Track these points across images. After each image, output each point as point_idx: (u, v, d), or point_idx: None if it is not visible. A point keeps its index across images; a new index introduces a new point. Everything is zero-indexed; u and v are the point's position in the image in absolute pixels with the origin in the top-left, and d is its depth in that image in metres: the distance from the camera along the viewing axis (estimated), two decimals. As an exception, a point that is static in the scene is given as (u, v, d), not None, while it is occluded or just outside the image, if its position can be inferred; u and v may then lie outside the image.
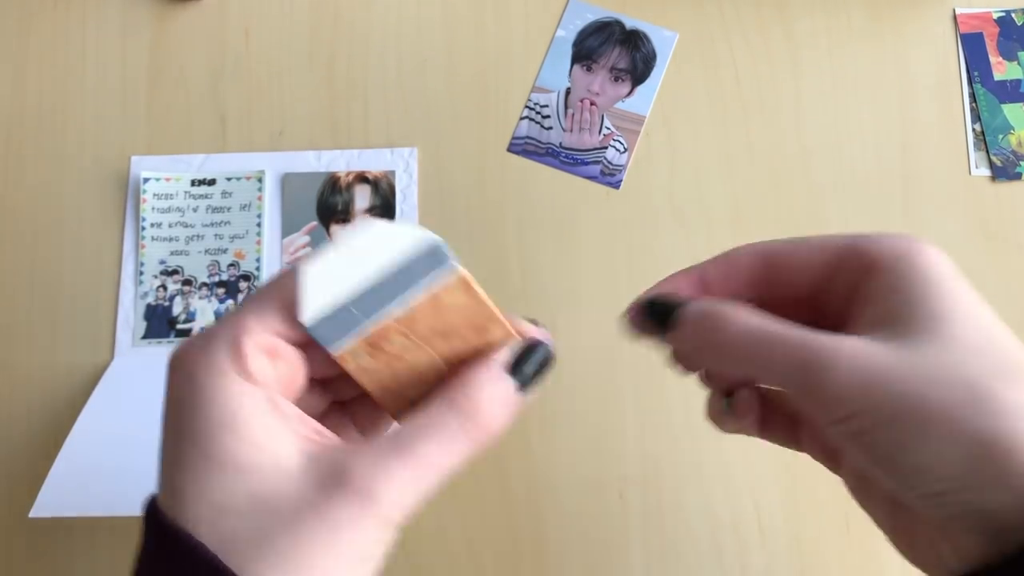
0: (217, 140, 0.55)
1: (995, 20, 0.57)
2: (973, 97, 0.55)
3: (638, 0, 0.57)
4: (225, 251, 0.53)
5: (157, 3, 0.58)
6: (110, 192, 0.54)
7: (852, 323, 0.27)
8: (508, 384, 0.26)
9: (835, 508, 0.47)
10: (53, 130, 0.55)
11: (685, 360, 0.31)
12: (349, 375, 0.27)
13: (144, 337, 0.52)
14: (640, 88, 0.56)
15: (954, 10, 0.57)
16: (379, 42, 0.57)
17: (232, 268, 0.53)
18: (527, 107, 0.55)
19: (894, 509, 0.27)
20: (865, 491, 0.28)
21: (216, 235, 0.53)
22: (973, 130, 0.54)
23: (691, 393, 0.50)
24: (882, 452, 0.24)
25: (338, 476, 0.23)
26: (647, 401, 0.49)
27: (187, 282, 0.53)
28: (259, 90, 0.56)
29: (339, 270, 0.25)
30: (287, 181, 0.54)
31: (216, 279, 0.53)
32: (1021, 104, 0.55)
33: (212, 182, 0.54)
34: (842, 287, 0.28)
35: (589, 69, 0.56)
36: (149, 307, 0.52)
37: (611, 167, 0.54)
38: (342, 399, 0.30)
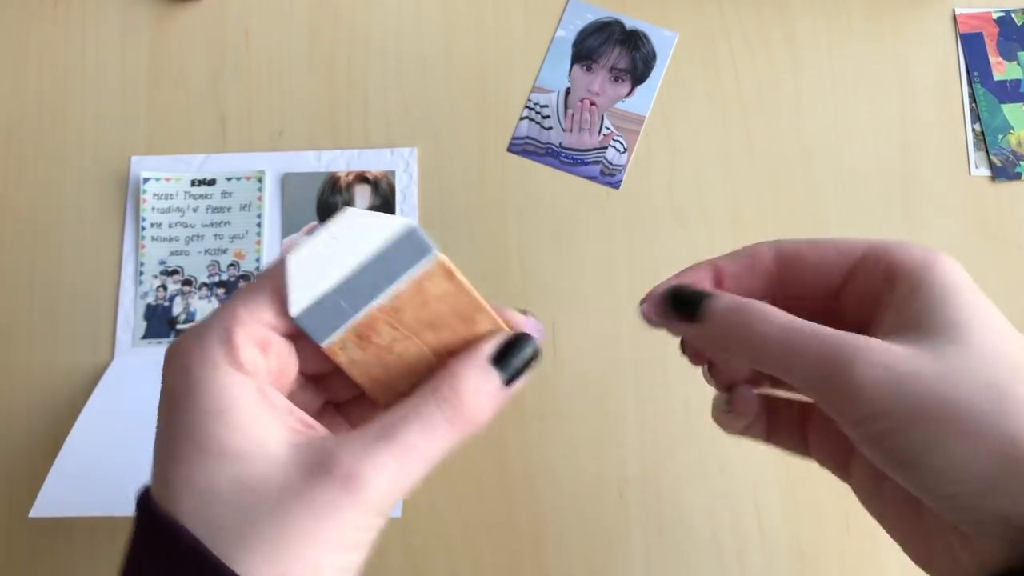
0: (217, 140, 0.55)
1: (995, 20, 0.57)
2: (973, 97, 0.55)
3: (638, 0, 0.57)
4: (225, 251, 0.53)
5: (157, 3, 0.58)
6: (110, 192, 0.54)
7: (872, 328, 0.27)
8: (493, 376, 0.26)
9: (835, 508, 0.47)
10: (53, 130, 0.55)
11: (699, 351, 0.31)
12: (341, 372, 0.28)
13: (144, 337, 0.52)
14: (640, 88, 0.56)
15: (954, 10, 0.57)
16: (379, 42, 0.57)
17: (232, 268, 0.53)
18: (527, 107, 0.55)
19: (909, 515, 0.27)
20: (877, 498, 0.29)
21: (216, 235, 0.53)
22: (973, 130, 0.54)
23: (691, 393, 0.50)
24: (906, 454, 0.24)
25: (323, 463, 0.23)
26: (647, 401, 0.49)
27: (187, 282, 0.53)
28: (259, 90, 0.56)
29: (322, 262, 0.25)
30: (287, 181, 0.54)
31: (216, 279, 0.53)
32: (1021, 104, 0.55)
33: (212, 182, 0.54)
34: (859, 292, 0.28)
35: (589, 69, 0.56)
36: (149, 307, 0.52)
37: (611, 167, 0.54)
38: (337, 400, 0.30)
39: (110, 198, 0.54)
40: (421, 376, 0.27)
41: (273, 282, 0.25)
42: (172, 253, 0.53)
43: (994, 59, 0.56)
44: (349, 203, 0.53)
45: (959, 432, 0.23)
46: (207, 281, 0.53)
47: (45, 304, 0.52)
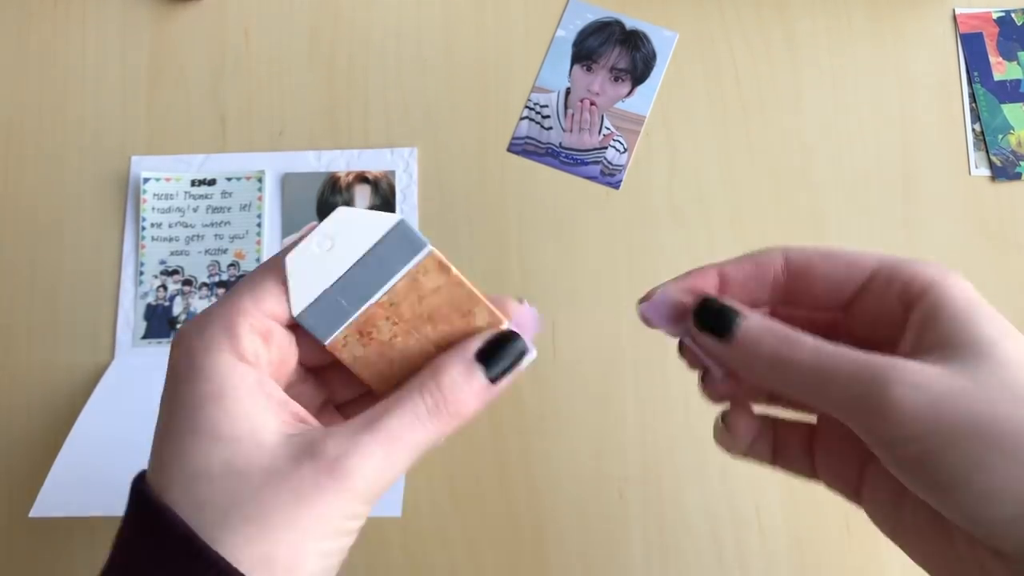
0: (217, 140, 0.55)
1: (995, 20, 0.57)
2: (973, 97, 0.55)
3: (638, 0, 0.57)
4: (225, 251, 0.53)
5: (157, 3, 0.58)
6: (110, 192, 0.54)
7: (892, 350, 0.27)
8: (478, 373, 0.26)
9: (835, 508, 0.47)
10: (53, 130, 0.55)
11: (695, 356, 0.30)
12: (341, 370, 0.28)
13: (144, 337, 0.52)
14: (640, 88, 0.56)
15: (954, 10, 0.57)
16: (379, 42, 0.57)
17: (232, 268, 0.53)
18: (527, 107, 0.55)
19: (933, 537, 0.26)
20: (896, 521, 0.28)
21: (216, 235, 0.53)
22: (973, 130, 0.54)
23: (691, 393, 0.50)
24: (943, 475, 0.23)
25: (310, 450, 0.24)
26: (647, 401, 0.49)
27: (187, 282, 0.53)
28: (259, 90, 0.56)
29: (319, 261, 0.26)
30: (287, 181, 0.54)
31: (216, 279, 0.53)
32: (1021, 104, 0.55)
33: (212, 182, 0.54)
34: (871, 310, 0.28)
35: (589, 69, 0.56)
36: (149, 307, 0.52)
37: (611, 167, 0.54)
38: (337, 400, 0.31)
39: (110, 198, 0.54)
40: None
41: (277, 272, 0.26)
42: (172, 253, 0.53)
43: (994, 59, 0.56)
44: (349, 203, 0.53)
45: (1000, 450, 0.23)
46: (207, 281, 0.53)
47: (45, 304, 0.52)
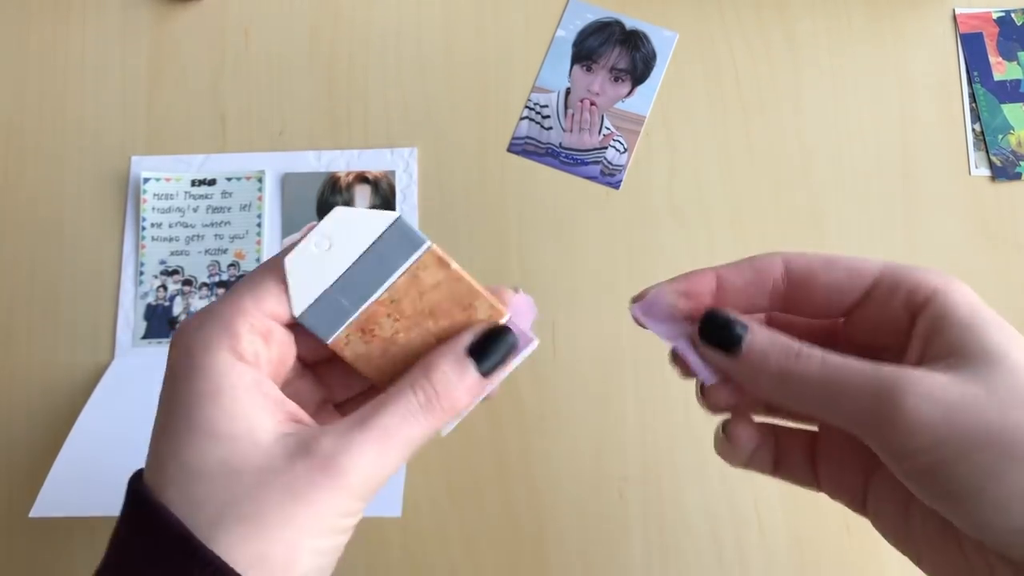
0: (217, 140, 0.55)
1: (995, 20, 0.57)
2: (973, 97, 0.55)
3: (638, 0, 0.57)
4: (225, 251, 0.53)
5: (157, 3, 0.58)
6: (110, 192, 0.54)
7: (897, 359, 0.27)
8: (469, 368, 0.26)
9: (835, 508, 0.47)
10: (53, 130, 0.55)
11: (687, 369, 0.30)
12: (339, 369, 0.28)
13: (144, 337, 0.52)
14: (640, 88, 0.56)
15: (954, 10, 0.57)
16: (379, 42, 0.57)
17: (232, 268, 0.53)
18: (527, 107, 0.55)
19: (942, 547, 0.26)
20: (903, 530, 0.28)
21: (216, 235, 0.53)
22: (973, 130, 0.54)
23: (691, 393, 0.50)
24: (957, 485, 0.23)
25: (305, 448, 0.24)
26: (647, 401, 0.49)
27: (187, 282, 0.53)
28: (259, 90, 0.56)
29: (319, 261, 0.26)
30: (287, 181, 0.54)
31: (216, 279, 0.53)
32: (1021, 104, 0.55)
33: (212, 182, 0.54)
34: (873, 318, 0.28)
35: (589, 69, 0.56)
36: (149, 307, 0.52)
37: (611, 167, 0.54)
38: (336, 400, 0.31)
39: (110, 198, 0.54)
40: None
41: (277, 272, 0.26)
42: (172, 253, 0.53)
43: (994, 59, 0.56)
44: (349, 203, 0.53)
45: (1012, 458, 0.22)
46: (207, 281, 0.53)
47: (45, 304, 0.52)
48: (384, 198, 0.54)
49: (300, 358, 0.28)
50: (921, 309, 0.26)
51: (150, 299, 0.52)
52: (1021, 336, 0.25)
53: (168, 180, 0.54)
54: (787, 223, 0.53)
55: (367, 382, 0.29)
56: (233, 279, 0.53)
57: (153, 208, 0.53)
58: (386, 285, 0.27)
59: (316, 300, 0.26)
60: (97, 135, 0.55)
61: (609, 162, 0.54)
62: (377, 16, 0.57)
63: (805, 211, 0.53)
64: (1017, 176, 0.53)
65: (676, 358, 0.30)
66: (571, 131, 0.55)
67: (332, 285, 0.26)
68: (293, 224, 0.54)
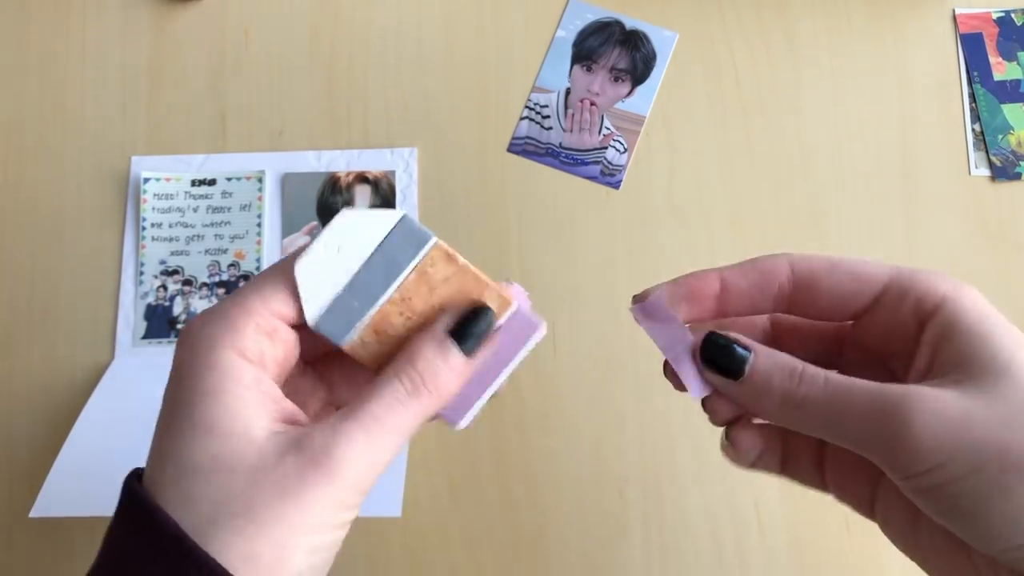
0: (217, 140, 0.55)
1: (995, 20, 0.57)
2: (973, 97, 0.55)
3: (638, 0, 0.57)
4: (225, 251, 0.53)
5: (157, 3, 0.58)
6: (110, 192, 0.54)
7: (905, 367, 0.26)
8: (452, 350, 0.26)
9: (835, 508, 0.47)
10: (53, 130, 0.55)
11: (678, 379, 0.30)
12: (342, 369, 0.29)
13: (144, 337, 0.52)
14: (640, 88, 0.56)
15: (954, 10, 0.57)
16: (379, 42, 0.57)
17: (232, 268, 0.53)
18: (527, 107, 0.55)
19: (949, 555, 0.26)
20: (911, 537, 0.28)
21: (216, 235, 0.53)
22: (973, 130, 0.54)
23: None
24: (964, 503, 0.23)
25: (296, 444, 0.24)
26: (647, 401, 0.49)
27: (187, 282, 0.53)
28: (259, 90, 0.56)
29: (327, 266, 0.26)
30: (287, 181, 0.54)
31: (216, 279, 0.53)
32: (1021, 104, 0.55)
33: (212, 182, 0.54)
34: (883, 325, 0.27)
35: (589, 69, 0.56)
36: (149, 307, 0.52)
37: (611, 167, 0.54)
38: (340, 403, 0.31)
39: (110, 198, 0.54)
40: None
41: (287, 274, 0.26)
42: (172, 253, 0.53)
43: (994, 59, 0.56)
44: (349, 203, 0.53)
45: (1019, 475, 0.22)
46: (207, 281, 0.53)
47: (45, 304, 0.52)
48: (384, 198, 0.54)
49: (305, 359, 0.28)
50: (930, 317, 0.26)
51: (150, 299, 0.52)
52: None
53: (168, 180, 0.54)
54: (787, 223, 0.53)
55: (370, 382, 0.29)
56: (233, 279, 0.53)
57: (153, 208, 0.53)
58: (396, 284, 0.27)
59: (329, 306, 0.26)
60: (97, 135, 0.55)
61: (609, 162, 0.54)
62: (377, 16, 0.57)
63: (805, 211, 0.53)
64: (1017, 176, 0.53)
65: (668, 370, 0.30)
66: (571, 131, 0.55)
67: (343, 289, 0.26)
68: (293, 224, 0.54)
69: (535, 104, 0.55)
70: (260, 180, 0.54)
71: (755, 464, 0.30)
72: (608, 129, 0.55)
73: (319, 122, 0.55)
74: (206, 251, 0.53)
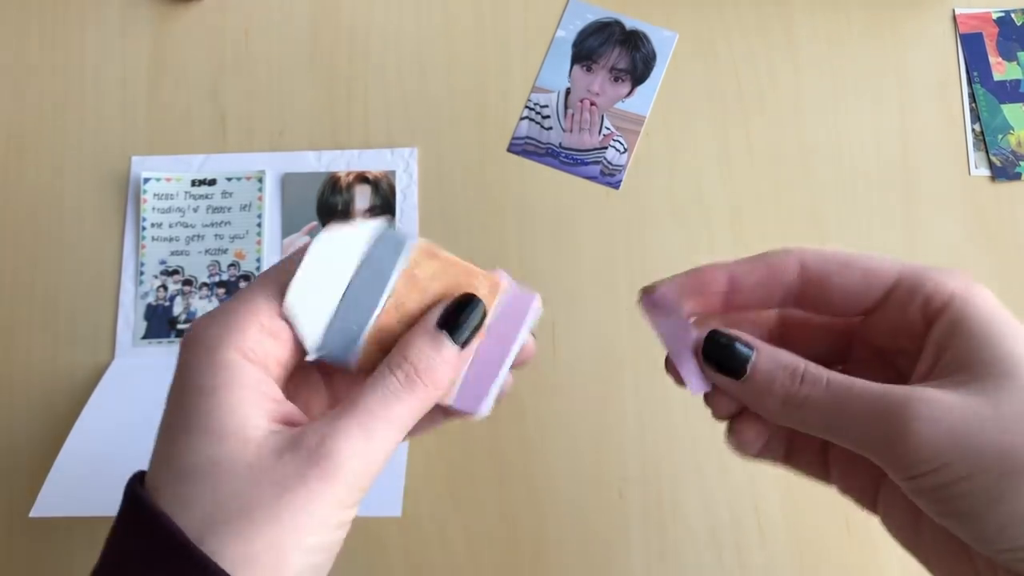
0: (217, 140, 0.55)
1: (995, 20, 0.57)
2: (973, 97, 0.55)
3: (638, 0, 0.57)
4: (225, 251, 0.53)
5: (157, 3, 0.58)
6: (110, 192, 0.54)
7: (911, 365, 0.26)
8: (445, 341, 0.26)
9: (835, 508, 0.47)
10: (53, 130, 0.55)
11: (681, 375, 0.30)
12: (347, 375, 0.28)
13: (144, 337, 0.52)
14: (640, 88, 0.56)
15: (954, 10, 0.57)
16: (379, 42, 0.57)
17: (232, 268, 0.53)
18: (527, 107, 0.55)
19: (950, 555, 0.26)
20: (913, 534, 0.28)
21: (216, 235, 0.53)
22: (973, 130, 0.54)
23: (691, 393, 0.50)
24: (965, 505, 0.23)
25: (292, 443, 0.24)
26: (647, 401, 0.49)
27: (187, 282, 0.53)
28: (259, 90, 0.56)
29: (317, 290, 0.26)
30: (287, 181, 0.54)
31: (216, 279, 0.53)
32: (1021, 104, 0.55)
33: (212, 182, 0.54)
34: (892, 321, 0.27)
35: (589, 69, 0.56)
36: (149, 307, 0.52)
37: (611, 167, 0.54)
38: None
39: (110, 198, 0.54)
40: None
41: (290, 272, 0.26)
42: (172, 253, 0.53)
43: (994, 59, 0.56)
44: (349, 203, 0.53)
45: (1019, 477, 0.22)
46: (207, 281, 0.53)
47: (45, 304, 0.52)
48: (384, 198, 0.54)
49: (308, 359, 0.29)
50: (937, 315, 0.26)
51: (150, 299, 0.52)
52: None
53: (168, 180, 0.54)
54: (787, 223, 0.53)
55: None
56: (233, 279, 0.53)
57: (153, 208, 0.53)
58: (386, 293, 0.27)
59: (326, 331, 0.26)
60: (97, 135, 0.55)
61: (609, 162, 0.54)
62: (377, 16, 0.57)
63: (805, 211, 0.53)
64: (1017, 176, 0.53)
65: (669, 366, 0.30)
66: (571, 131, 0.55)
67: (336, 312, 0.26)
68: (293, 224, 0.54)
69: (535, 104, 0.55)
70: (260, 180, 0.54)
71: (760, 454, 0.30)
72: (608, 129, 0.55)
73: (319, 122, 0.55)
74: (206, 251, 0.53)
